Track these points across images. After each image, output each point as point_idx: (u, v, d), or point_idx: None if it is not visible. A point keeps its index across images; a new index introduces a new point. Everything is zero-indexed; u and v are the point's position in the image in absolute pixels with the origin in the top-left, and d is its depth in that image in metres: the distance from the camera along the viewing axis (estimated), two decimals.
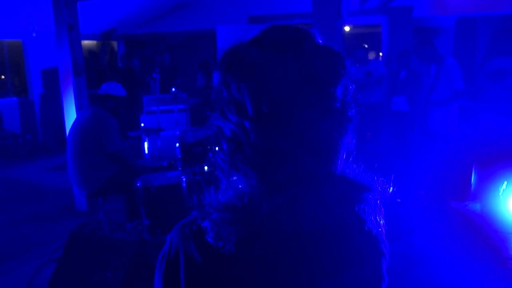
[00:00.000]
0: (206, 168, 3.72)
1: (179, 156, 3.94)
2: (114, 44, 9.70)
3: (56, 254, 3.20)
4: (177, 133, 4.01)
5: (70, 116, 4.33)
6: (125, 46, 9.42)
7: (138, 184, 3.19)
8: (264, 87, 0.64)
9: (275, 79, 0.64)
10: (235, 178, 0.70)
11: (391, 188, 0.77)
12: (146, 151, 4.17)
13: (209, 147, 3.79)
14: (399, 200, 3.38)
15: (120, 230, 3.86)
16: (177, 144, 3.87)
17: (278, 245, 0.65)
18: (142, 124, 4.22)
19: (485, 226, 3.92)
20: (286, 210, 0.65)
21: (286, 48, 0.66)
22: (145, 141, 4.03)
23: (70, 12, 4.21)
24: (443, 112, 4.29)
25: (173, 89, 4.74)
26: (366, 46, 6.42)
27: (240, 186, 0.69)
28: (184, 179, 3.28)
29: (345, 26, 3.49)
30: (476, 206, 4.21)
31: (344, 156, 0.71)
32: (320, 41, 0.70)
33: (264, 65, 0.65)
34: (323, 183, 0.67)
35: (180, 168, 4.11)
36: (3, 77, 8.40)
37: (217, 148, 0.71)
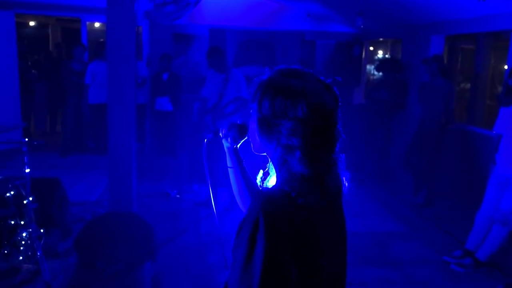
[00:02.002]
0: None
1: None
2: None
3: None
4: None
5: None
6: None
7: None
8: (320, 107, 1.05)
9: (325, 100, 1.08)
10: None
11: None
12: None
13: None
14: (178, 196, 3.83)
15: None
16: None
17: (333, 200, 1.14)
18: None
19: None
20: (334, 179, 1.13)
21: (308, 77, 1.10)
22: None
23: None
24: (228, 117, 4.71)
25: None
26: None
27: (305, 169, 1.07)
28: None
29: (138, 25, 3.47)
30: None
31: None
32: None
33: (311, 90, 1.06)
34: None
35: None
36: None
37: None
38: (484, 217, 3.77)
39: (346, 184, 1.18)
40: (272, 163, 1.15)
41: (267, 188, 1.21)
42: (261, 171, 1.35)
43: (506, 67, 4.79)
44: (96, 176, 5.76)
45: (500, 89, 6.05)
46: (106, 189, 4.61)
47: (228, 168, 1.47)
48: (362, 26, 5.61)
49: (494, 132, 3.80)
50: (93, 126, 6.89)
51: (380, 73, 6.63)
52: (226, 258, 1.27)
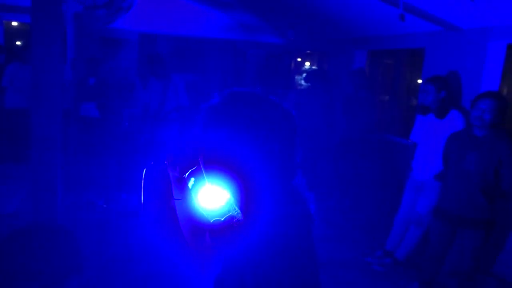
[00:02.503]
0: None
1: None
2: None
3: None
4: None
5: None
6: None
7: None
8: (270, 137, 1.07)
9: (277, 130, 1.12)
10: None
11: None
12: None
13: None
14: (105, 205, 3.78)
15: None
16: None
17: None
18: None
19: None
20: None
21: (262, 104, 1.06)
22: None
23: None
24: (168, 125, 4.63)
25: None
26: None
27: None
28: None
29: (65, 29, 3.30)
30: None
31: None
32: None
33: (261, 120, 1.04)
34: None
35: None
36: None
37: None
38: (402, 219, 4.07)
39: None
40: None
41: None
42: (192, 179, 1.25)
43: (420, 81, 5.24)
44: (12, 186, 5.34)
45: (415, 101, 6.58)
46: (24, 200, 4.31)
47: (175, 201, 1.33)
48: (292, 39, 5.83)
49: (410, 140, 4.14)
50: (8, 132, 6.39)
51: (309, 84, 6.91)
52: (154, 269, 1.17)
